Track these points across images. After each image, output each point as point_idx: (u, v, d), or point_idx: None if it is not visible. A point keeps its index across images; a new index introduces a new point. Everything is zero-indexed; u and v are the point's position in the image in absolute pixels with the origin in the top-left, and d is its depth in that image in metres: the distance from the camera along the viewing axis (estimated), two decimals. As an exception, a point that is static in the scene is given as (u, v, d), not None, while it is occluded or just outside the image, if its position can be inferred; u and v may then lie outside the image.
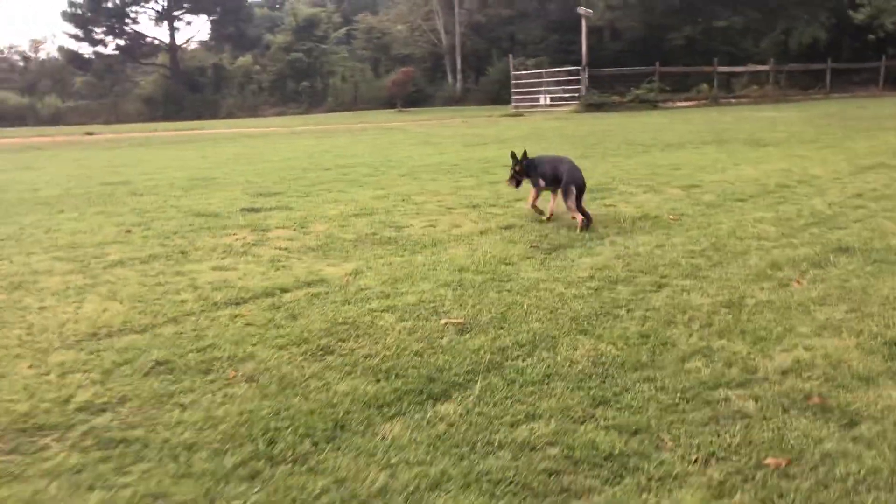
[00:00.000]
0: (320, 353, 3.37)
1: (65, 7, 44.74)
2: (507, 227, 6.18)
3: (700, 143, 13.53)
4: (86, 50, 46.93)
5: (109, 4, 45.08)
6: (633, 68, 28.28)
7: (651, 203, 7.19)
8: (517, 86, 31.35)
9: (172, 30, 47.81)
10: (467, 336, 3.54)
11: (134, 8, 46.47)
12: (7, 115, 47.14)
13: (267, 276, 4.77)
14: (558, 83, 28.57)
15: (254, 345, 3.48)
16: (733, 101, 30.50)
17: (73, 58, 47.90)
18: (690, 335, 3.49)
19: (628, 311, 3.90)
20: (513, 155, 6.75)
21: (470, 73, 46.56)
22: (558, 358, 3.26)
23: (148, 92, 48.10)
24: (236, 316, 3.93)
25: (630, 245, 5.41)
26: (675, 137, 14.78)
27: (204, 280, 4.67)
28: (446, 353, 3.32)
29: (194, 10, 48.11)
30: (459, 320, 3.76)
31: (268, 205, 7.59)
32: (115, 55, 48.15)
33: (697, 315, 3.78)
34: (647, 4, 42.50)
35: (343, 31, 52.84)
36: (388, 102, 39.08)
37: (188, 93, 46.43)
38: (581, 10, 26.09)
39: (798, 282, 4.35)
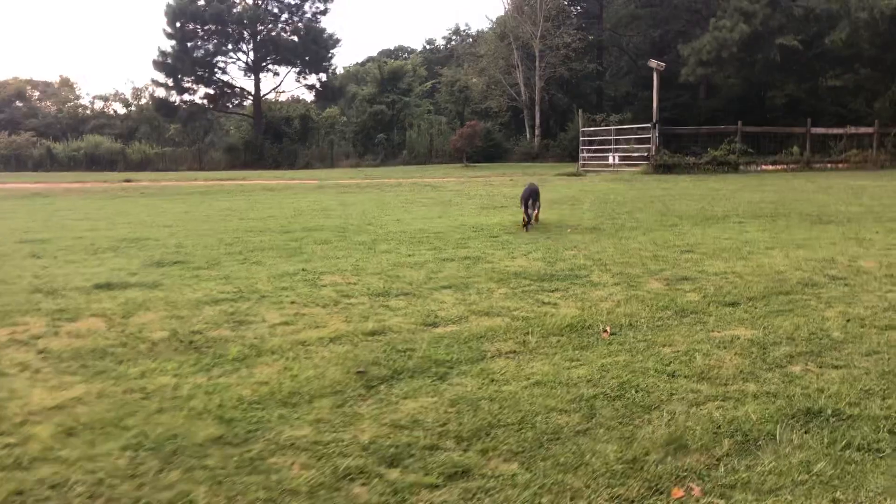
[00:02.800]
0: None
1: (156, 56, 46.44)
2: (374, 333, 4.57)
3: (751, 216, 11.48)
4: (176, 98, 48.40)
5: (197, 54, 46.34)
6: (713, 127, 26.04)
7: (606, 303, 5.43)
8: (587, 143, 29.51)
9: (257, 80, 48.66)
10: None
11: (221, 58, 47.62)
12: (100, 159, 48.86)
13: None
14: (627, 142, 26.59)
15: None
16: (829, 165, 27.62)
17: (161, 105, 49.39)
18: None
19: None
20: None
21: (553, 128, 45.02)
22: None
23: (232, 140, 48.93)
24: None
25: (490, 380, 3.72)
26: (726, 208, 12.74)
27: None
28: None
29: (281, 62, 48.86)
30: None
31: (143, 279, 6.26)
32: (200, 104, 49.34)
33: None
34: (744, 60, 39.81)
35: (428, 84, 52.51)
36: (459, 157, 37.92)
37: (269, 142, 46.84)
38: (652, 62, 24.22)
39: None
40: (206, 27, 46.39)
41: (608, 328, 4.70)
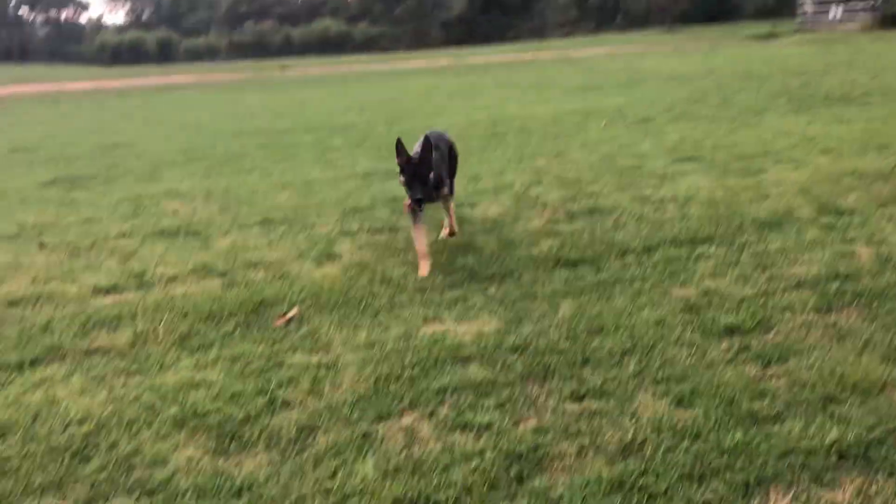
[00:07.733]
0: None
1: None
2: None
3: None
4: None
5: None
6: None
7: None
8: (807, -7, 24.24)
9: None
10: None
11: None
12: (330, 41, 50.59)
13: None
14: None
15: None
16: None
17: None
18: None
19: None
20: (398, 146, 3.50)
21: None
22: None
23: (448, 15, 47.84)
24: None
25: None
26: (883, 84, 9.56)
27: None
28: None
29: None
30: None
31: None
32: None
33: None
34: None
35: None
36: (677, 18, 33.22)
37: (480, 16, 45.06)
38: None
39: None
40: None
41: (290, 312, 3.23)
